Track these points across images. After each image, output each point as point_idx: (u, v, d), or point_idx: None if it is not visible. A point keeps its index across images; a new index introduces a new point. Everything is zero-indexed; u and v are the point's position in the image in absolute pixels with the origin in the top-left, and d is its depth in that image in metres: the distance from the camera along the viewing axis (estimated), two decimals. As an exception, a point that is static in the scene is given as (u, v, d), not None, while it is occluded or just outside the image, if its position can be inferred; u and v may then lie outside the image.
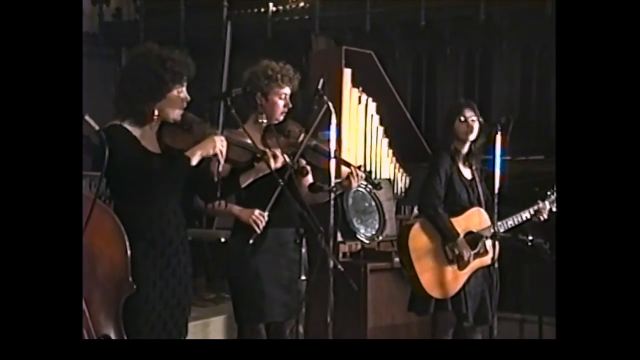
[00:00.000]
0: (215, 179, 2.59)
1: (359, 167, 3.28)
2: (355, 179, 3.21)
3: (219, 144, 2.65)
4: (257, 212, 3.08)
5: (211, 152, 2.63)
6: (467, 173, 3.72)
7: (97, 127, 2.21)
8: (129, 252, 2.30)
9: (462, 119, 3.65)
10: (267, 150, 2.90)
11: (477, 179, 3.71)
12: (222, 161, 2.62)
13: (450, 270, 3.62)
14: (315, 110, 3.24)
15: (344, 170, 3.30)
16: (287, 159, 2.92)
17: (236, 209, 3.13)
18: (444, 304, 3.59)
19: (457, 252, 3.59)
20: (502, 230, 3.63)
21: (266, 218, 3.06)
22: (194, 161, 2.61)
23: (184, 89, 2.69)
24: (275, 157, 2.88)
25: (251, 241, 3.05)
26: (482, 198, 3.68)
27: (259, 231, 3.05)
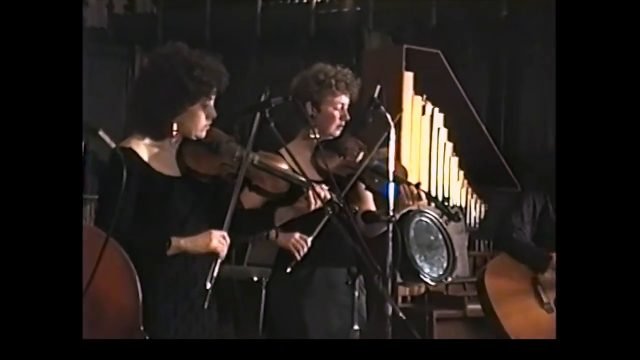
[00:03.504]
0: (208, 285, 2.57)
1: (417, 185, 3.30)
2: (408, 195, 3.22)
3: (216, 240, 2.63)
4: (297, 235, 3.11)
5: (200, 250, 2.63)
6: None
7: (112, 145, 2.27)
8: (140, 296, 2.33)
9: None
10: (309, 182, 2.87)
11: None
12: (219, 260, 2.61)
13: (545, 314, 3.61)
14: (369, 123, 3.27)
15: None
16: (333, 197, 2.91)
17: (272, 233, 3.17)
18: None
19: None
20: None
21: (309, 243, 3.10)
22: (170, 251, 2.60)
23: (212, 102, 2.73)
24: (317, 194, 2.86)
25: (289, 269, 3.08)
26: None
27: (299, 257, 3.10)
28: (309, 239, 3.10)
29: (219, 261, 2.63)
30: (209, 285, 2.59)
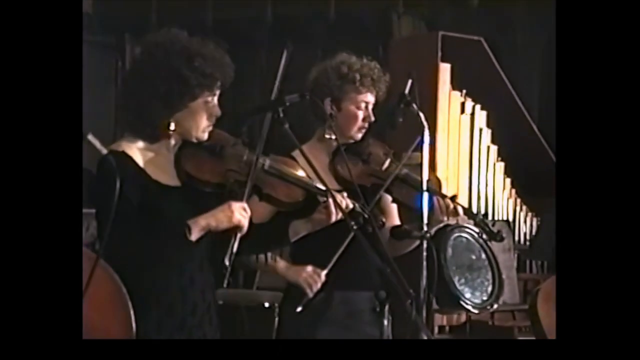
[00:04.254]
0: (227, 261, 2.65)
1: (453, 198, 3.31)
2: (442, 210, 3.24)
3: (238, 213, 2.69)
4: (309, 269, 3.14)
5: (224, 225, 2.69)
6: None
7: (104, 150, 2.32)
8: (134, 326, 2.38)
9: None
10: (328, 190, 2.88)
11: None
12: (240, 234, 2.69)
13: None
14: (399, 124, 3.28)
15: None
16: (356, 206, 2.93)
17: (281, 265, 3.21)
18: None
19: None
20: None
21: (323, 278, 3.13)
22: (194, 236, 2.66)
23: (215, 98, 2.76)
24: (337, 204, 2.87)
25: (299, 309, 3.12)
26: None
27: (310, 295, 3.13)
28: (323, 273, 3.13)
29: (239, 236, 2.69)
30: (227, 262, 2.65)
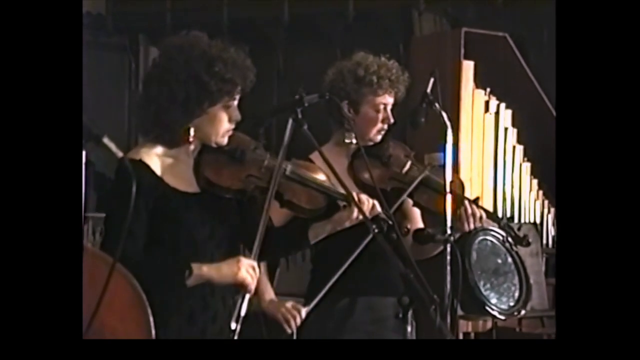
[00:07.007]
0: (233, 325, 2.64)
1: (475, 201, 3.31)
2: (468, 219, 3.24)
3: (245, 270, 2.68)
4: (289, 304, 3.16)
5: (227, 281, 2.69)
6: None
7: (120, 154, 2.33)
8: (153, 333, 2.37)
9: None
10: (352, 195, 2.88)
11: None
12: (249, 294, 2.68)
13: None
14: (421, 123, 3.28)
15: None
16: (380, 209, 2.92)
17: (267, 295, 3.25)
18: None
19: None
20: None
21: (303, 314, 3.14)
22: (191, 281, 2.66)
23: (235, 103, 2.77)
24: (359, 206, 2.86)
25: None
26: None
27: (289, 331, 3.15)
28: (304, 310, 3.14)
29: (247, 297, 2.66)
30: (234, 326, 2.63)
